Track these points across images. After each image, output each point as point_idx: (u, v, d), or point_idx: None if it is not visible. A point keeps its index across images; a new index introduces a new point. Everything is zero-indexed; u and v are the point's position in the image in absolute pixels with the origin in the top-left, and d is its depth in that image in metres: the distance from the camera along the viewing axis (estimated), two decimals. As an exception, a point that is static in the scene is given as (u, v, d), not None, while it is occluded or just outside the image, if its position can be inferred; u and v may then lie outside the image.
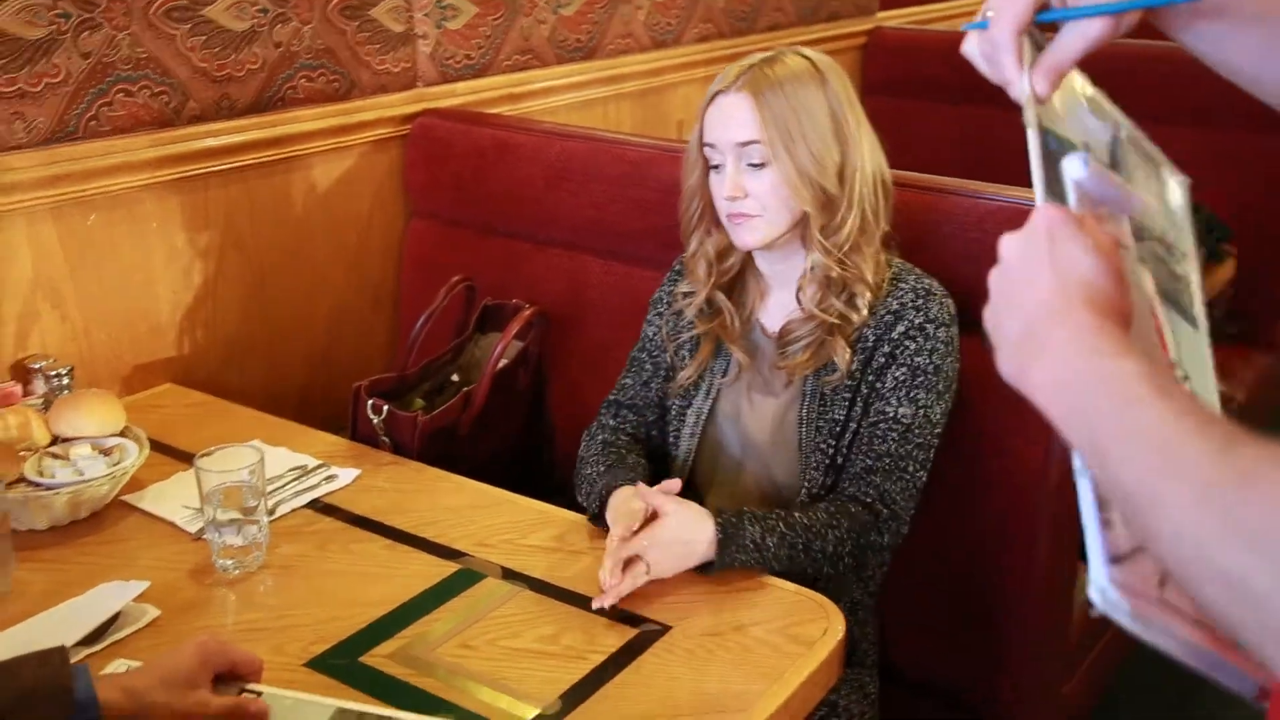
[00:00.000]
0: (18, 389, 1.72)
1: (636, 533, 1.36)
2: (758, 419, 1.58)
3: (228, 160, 2.03)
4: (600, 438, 1.62)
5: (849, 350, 1.50)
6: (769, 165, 1.47)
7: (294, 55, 2.11)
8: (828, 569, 1.44)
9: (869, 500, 1.48)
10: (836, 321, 1.51)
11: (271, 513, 1.53)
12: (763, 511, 1.42)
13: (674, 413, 1.63)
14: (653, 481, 1.45)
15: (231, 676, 1.13)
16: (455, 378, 1.96)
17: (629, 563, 1.35)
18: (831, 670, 1.31)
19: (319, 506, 1.57)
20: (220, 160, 2.02)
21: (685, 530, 1.37)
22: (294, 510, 1.56)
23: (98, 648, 1.26)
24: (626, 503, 1.42)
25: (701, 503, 1.42)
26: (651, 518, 1.38)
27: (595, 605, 1.33)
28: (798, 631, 1.32)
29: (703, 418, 1.60)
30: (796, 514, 1.43)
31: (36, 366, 1.75)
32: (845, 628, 1.32)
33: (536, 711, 1.18)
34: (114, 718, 1.04)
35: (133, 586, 1.35)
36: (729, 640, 1.30)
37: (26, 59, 1.75)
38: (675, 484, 1.43)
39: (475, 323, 2.05)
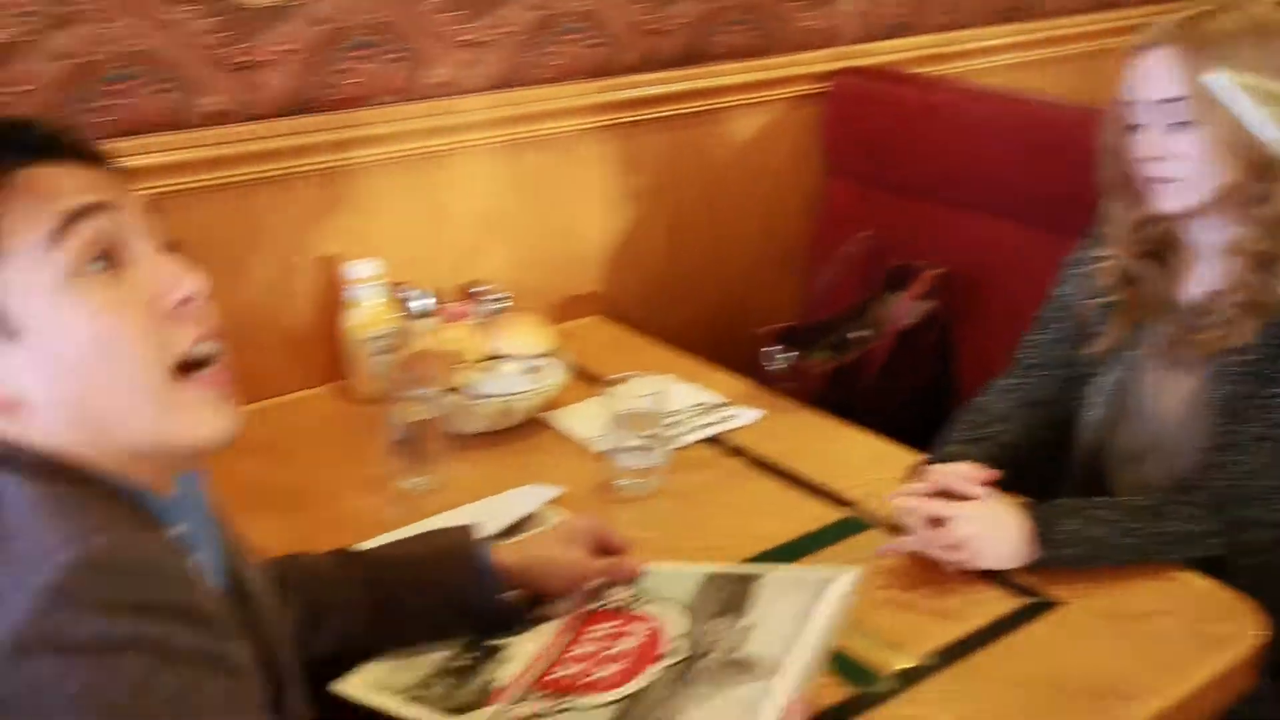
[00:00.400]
0: (463, 310, 1.90)
1: None
2: (1167, 396, 1.48)
3: (656, 109, 2.13)
4: (980, 402, 1.60)
5: (1264, 331, 1.38)
6: (1195, 126, 1.36)
7: (721, 11, 2.18)
8: (1198, 551, 1.33)
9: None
10: (1259, 300, 1.38)
11: (672, 442, 1.60)
12: (1084, 500, 1.34)
13: (1081, 381, 1.56)
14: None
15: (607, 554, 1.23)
16: (860, 333, 1.97)
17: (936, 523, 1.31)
18: (1245, 676, 1.20)
19: (718, 442, 1.63)
20: (649, 109, 2.12)
21: (996, 514, 1.31)
22: (694, 443, 1.62)
23: (514, 541, 1.37)
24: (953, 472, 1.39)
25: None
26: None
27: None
28: (1208, 629, 1.23)
29: (1109, 390, 1.52)
30: (1136, 499, 1.34)
31: (480, 290, 1.92)
32: (1270, 633, 1.21)
33: (912, 663, 1.17)
34: (506, 578, 1.17)
35: (547, 491, 1.47)
36: (1128, 626, 1.24)
37: (482, 10, 1.92)
38: (990, 474, 1.37)
39: (884, 282, 2.04)
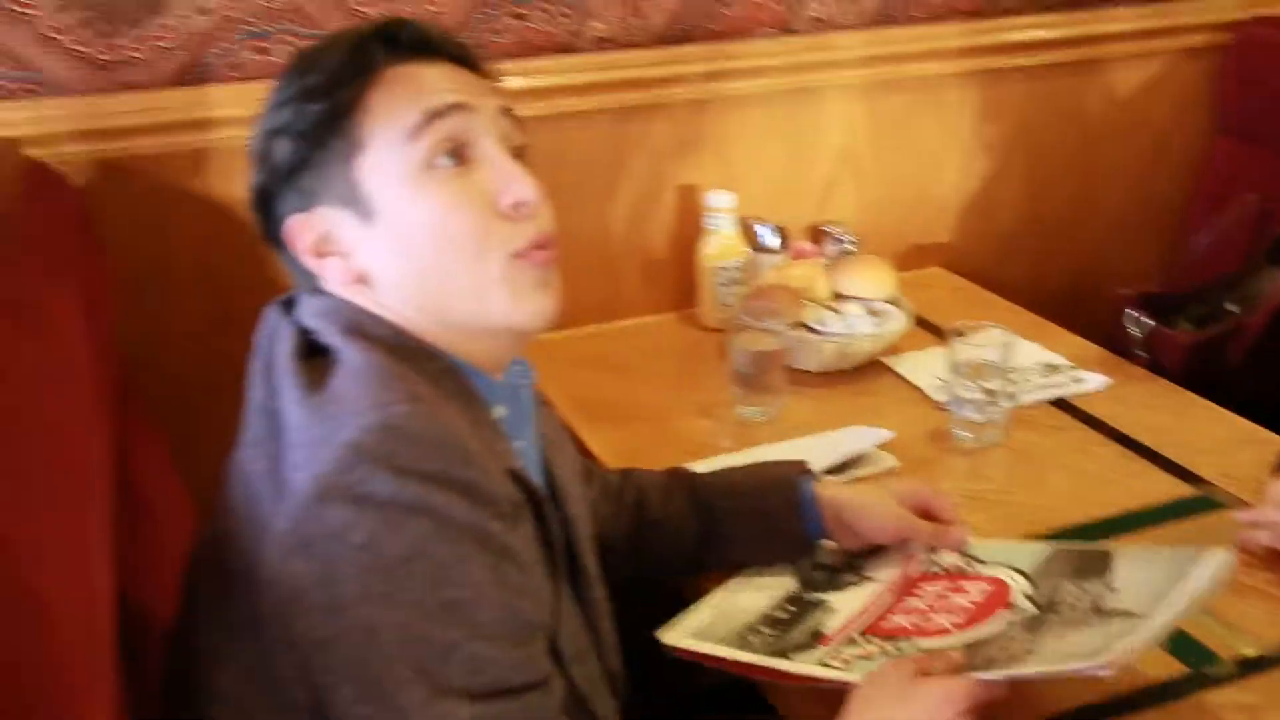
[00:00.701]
0: (812, 248, 1.92)
1: None
2: None
3: (1030, 56, 2.05)
4: None
5: None
6: None
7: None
8: None
9: None
10: None
11: (1013, 399, 1.56)
12: None
13: None
14: None
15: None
16: (1232, 306, 1.84)
17: None
18: None
19: (1061, 404, 1.58)
20: (1023, 55, 2.05)
21: None
22: (1036, 402, 1.58)
23: (840, 478, 1.40)
24: None
25: None
26: None
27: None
28: None
29: None
30: None
31: (830, 230, 1.93)
32: None
33: (1255, 652, 1.11)
34: (827, 515, 1.18)
35: (879, 433, 1.47)
36: None
37: (868, -53, 1.91)
38: None
39: (1266, 253, 1.89)
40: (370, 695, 0.77)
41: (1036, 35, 2.05)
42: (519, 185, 0.93)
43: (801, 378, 1.65)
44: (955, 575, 1.14)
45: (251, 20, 1.58)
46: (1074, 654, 0.92)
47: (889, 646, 1.04)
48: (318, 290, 0.95)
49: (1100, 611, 1.00)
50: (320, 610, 0.77)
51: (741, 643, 1.08)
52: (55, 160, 1.48)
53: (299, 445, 0.81)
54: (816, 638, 1.07)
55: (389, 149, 0.91)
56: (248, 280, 1.64)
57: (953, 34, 1.99)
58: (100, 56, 1.52)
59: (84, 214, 1.43)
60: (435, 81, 0.94)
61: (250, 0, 1.57)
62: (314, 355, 0.89)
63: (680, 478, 1.27)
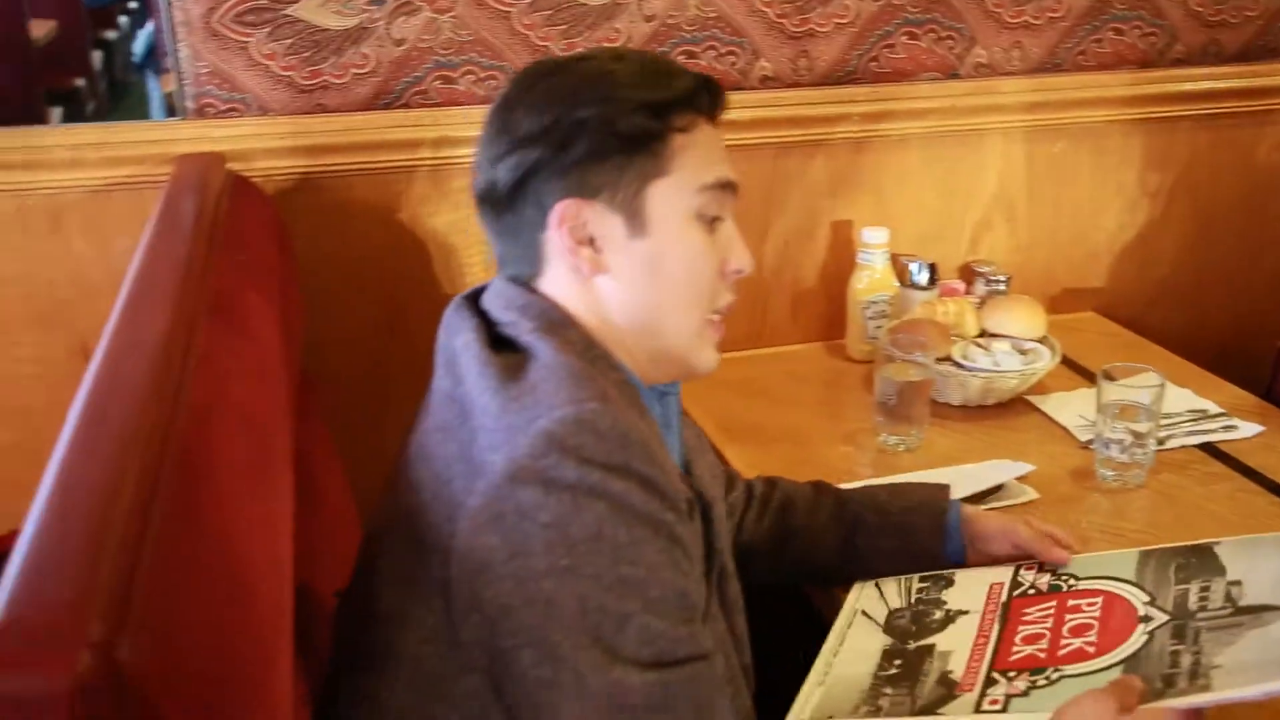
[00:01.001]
0: (961, 287, 1.94)
1: None
2: None
3: (1202, 106, 2.04)
4: None
5: None
6: None
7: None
8: None
9: None
10: None
11: (1161, 443, 1.56)
12: None
13: None
14: None
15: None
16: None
17: None
18: None
19: (1211, 450, 1.57)
20: (1194, 105, 2.04)
21: None
22: (1183, 447, 1.57)
23: (978, 509, 1.41)
24: None
25: None
26: None
27: None
28: None
29: None
30: None
31: (981, 270, 1.95)
32: None
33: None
34: (967, 538, 1.24)
35: (1020, 467, 1.49)
36: None
37: (1036, -7, 1.93)
38: None
39: None
40: (549, 658, 0.83)
41: (1208, 86, 2.04)
42: (746, 258, 1.06)
43: (946, 411, 1.68)
44: (1056, 595, 1.15)
45: (441, 51, 1.70)
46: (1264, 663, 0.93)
47: (1038, 679, 1.02)
48: (515, 280, 1.02)
49: (1242, 609, 1.00)
50: (509, 580, 0.84)
51: (878, 710, 1.05)
52: (255, 174, 1.62)
53: (494, 430, 0.88)
54: (950, 685, 1.05)
55: (684, 189, 1.01)
56: (417, 291, 1.77)
57: (1121, 83, 2.00)
58: (302, 81, 1.66)
59: (278, 223, 1.56)
60: (723, 151, 1.06)
61: (441, 34, 1.69)
62: (502, 347, 0.97)
63: (826, 490, 1.33)
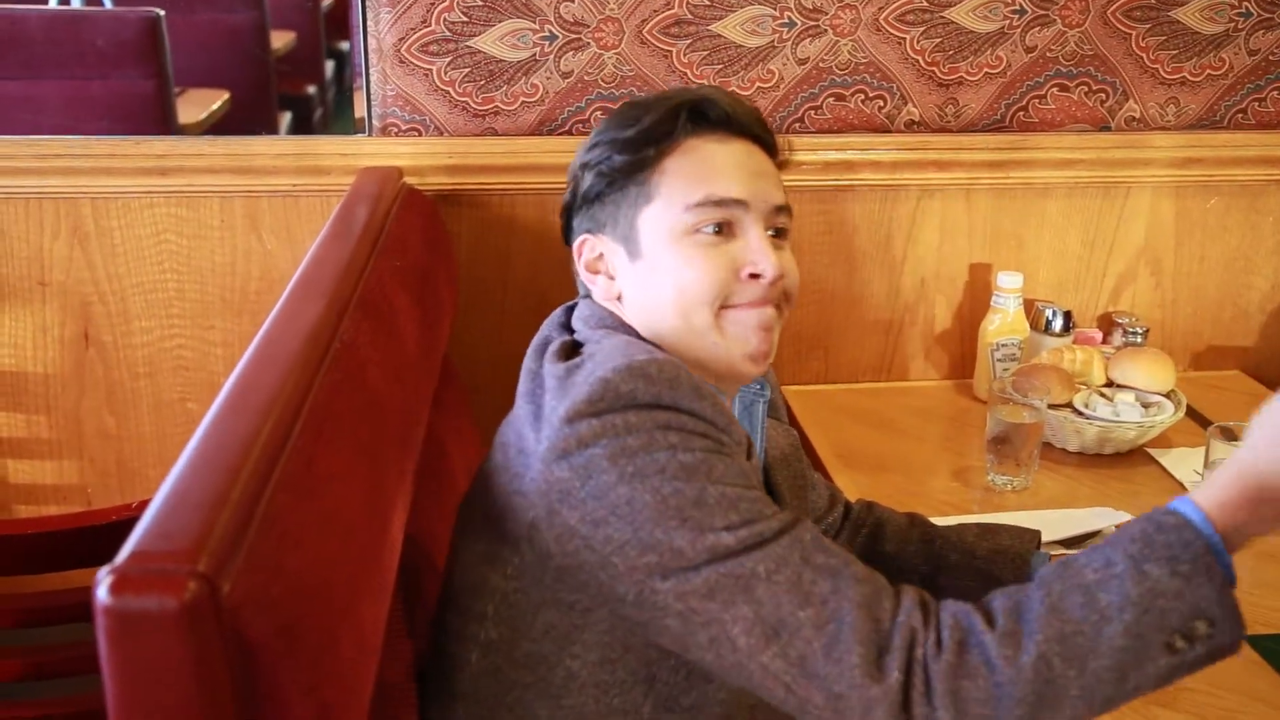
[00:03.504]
0: (1098, 335, 1.96)
1: None
2: None
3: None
4: None
5: None
6: None
7: None
8: None
9: None
10: None
11: (1275, 506, 1.56)
12: None
13: None
14: None
15: None
16: None
17: None
18: None
19: (1327, 517, 1.56)
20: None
21: None
22: (1299, 511, 1.56)
23: (1072, 553, 1.45)
24: None
25: None
26: None
27: None
28: None
29: None
30: None
31: (1120, 321, 1.97)
32: None
33: None
34: None
35: (1119, 515, 1.52)
36: None
37: (1199, 50, 1.94)
38: None
39: None
40: (648, 546, 0.92)
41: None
42: (768, 263, 1.08)
43: (1062, 457, 1.71)
44: None
45: (604, 85, 1.83)
46: None
47: None
48: (586, 296, 1.17)
49: None
50: (590, 500, 0.94)
51: None
52: (428, 188, 1.78)
53: (556, 390, 1.00)
54: None
55: (668, 210, 1.10)
56: (564, 302, 1.90)
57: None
58: (476, 106, 1.82)
59: (443, 233, 1.72)
60: (725, 166, 1.10)
61: (605, 68, 1.82)
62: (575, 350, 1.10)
63: (919, 523, 1.37)
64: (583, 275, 1.16)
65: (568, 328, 1.14)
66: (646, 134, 1.11)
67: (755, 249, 1.09)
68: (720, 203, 1.09)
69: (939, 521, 1.42)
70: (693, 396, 0.97)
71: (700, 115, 1.11)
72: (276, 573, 0.77)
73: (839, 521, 1.39)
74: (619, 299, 1.13)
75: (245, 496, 0.80)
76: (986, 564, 1.28)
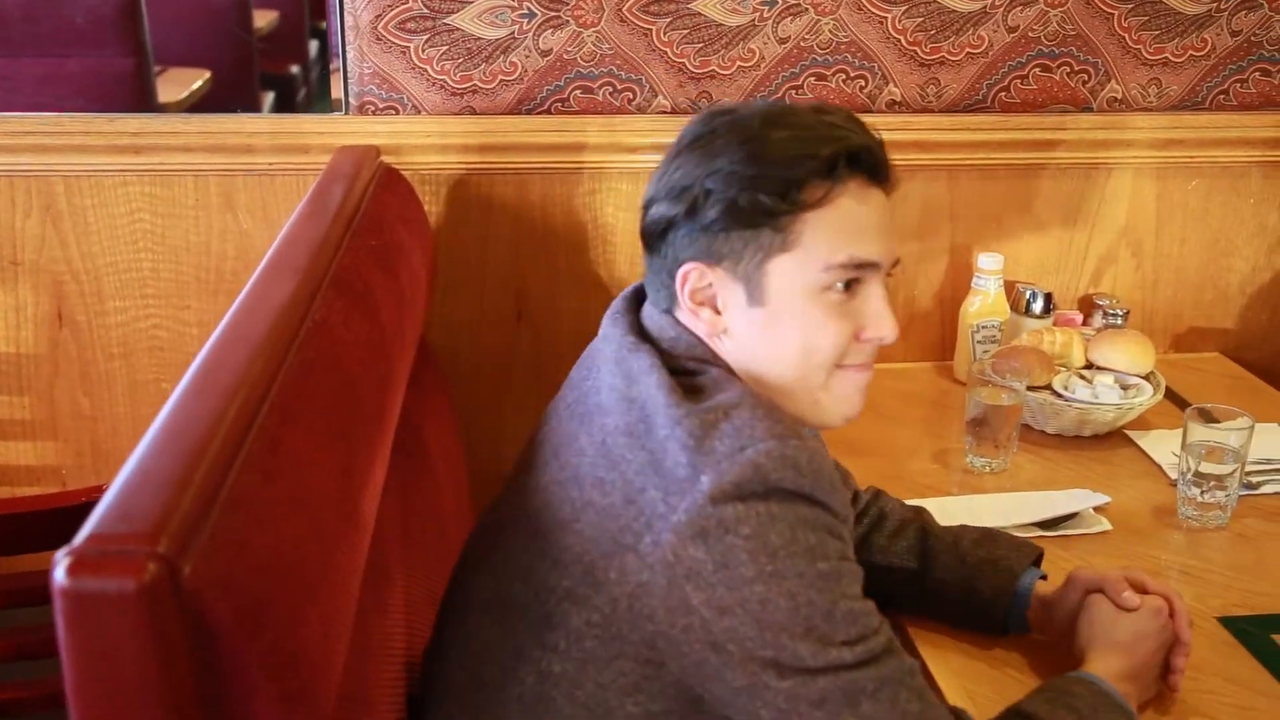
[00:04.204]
0: (1078, 317, 1.96)
1: None
2: None
3: (1351, 152, 2.00)
4: None
5: None
6: None
7: None
8: None
9: None
10: None
11: (1254, 487, 1.56)
12: None
13: None
14: None
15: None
16: None
17: None
18: None
19: (1306, 499, 1.56)
20: (1343, 151, 2.00)
21: None
22: (1277, 493, 1.57)
23: (1048, 534, 1.45)
24: None
25: None
26: None
27: None
28: None
29: None
30: None
31: (1101, 303, 1.96)
32: None
33: None
34: (1034, 612, 1.25)
35: (1097, 497, 1.52)
36: None
37: (1181, 30, 1.93)
38: None
39: None
40: (772, 646, 0.93)
41: (1361, 131, 2.00)
42: (887, 327, 1.06)
43: (1041, 439, 1.71)
44: None
45: (583, 63, 1.82)
46: None
47: None
48: (666, 311, 1.08)
49: None
50: (720, 586, 0.93)
51: None
52: (405, 167, 1.77)
53: (695, 450, 0.95)
54: None
55: (806, 265, 1.02)
56: (544, 284, 1.90)
57: (1266, 124, 1.98)
58: (454, 85, 1.80)
59: (420, 213, 1.71)
60: (869, 226, 1.03)
61: (584, 47, 1.81)
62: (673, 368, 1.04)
63: (920, 520, 1.35)
64: (686, 303, 1.06)
65: (643, 334, 1.08)
66: (799, 182, 1.01)
67: (880, 312, 1.05)
68: (860, 265, 1.03)
69: (919, 504, 1.41)
70: (830, 490, 0.96)
71: (856, 161, 1.03)
72: (240, 554, 0.76)
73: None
74: (721, 334, 1.06)
75: (209, 478, 0.79)
76: (974, 571, 1.27)
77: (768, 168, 1.01)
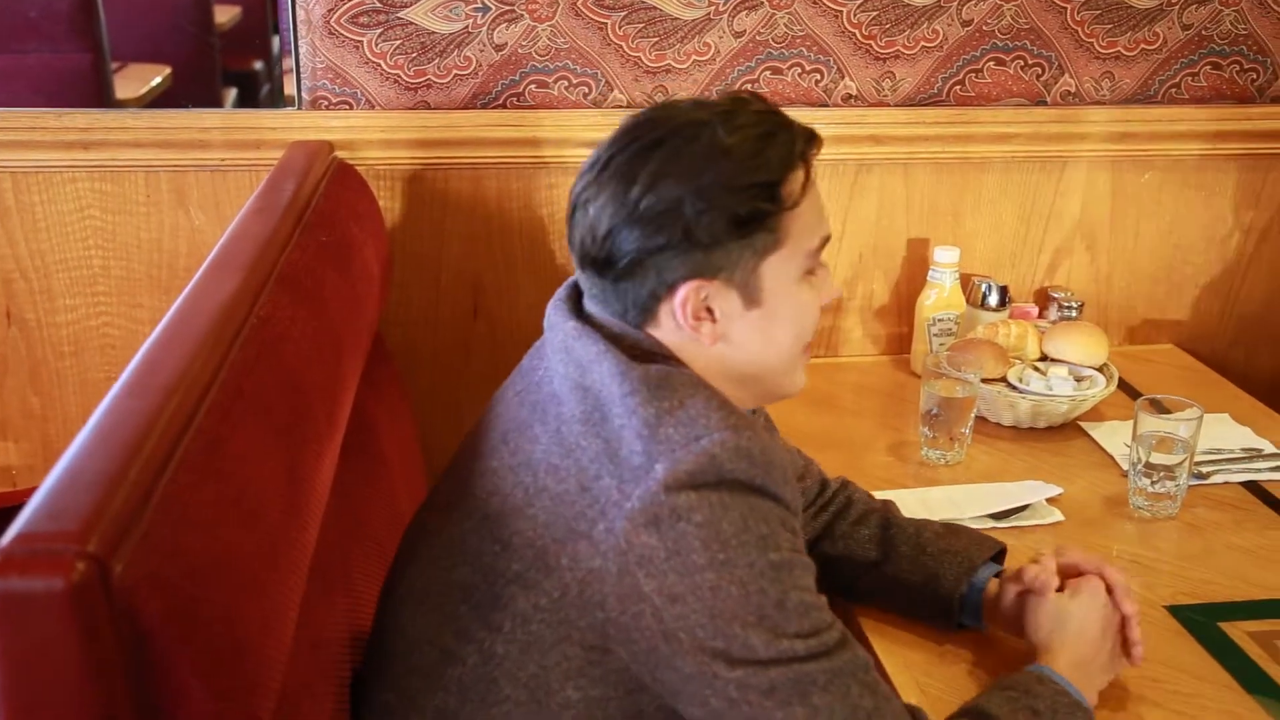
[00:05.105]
0: (1033, 310, 1.97)
1: None
2: None
3: (1300, 146, 2.02)
4: None
5: None
6: None
7: None
8: None
9: None
10: None
11: (1204, 477, 1.58)
12: None
13: None
14: None
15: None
16: None
17: None
18: None
19: (1255, 489, 1.58)
20: (1292, 144, 2.02)
21: None
22: (1226, 483, 1.58)
23: (1002, 525, 1.46)
24: None
25: None
26: None
27: None
28: None
29: None
30: None
31: (1056, 296, 1.98)
32: None
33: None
34: (989, 607, 1.25)
35: (1050, 488, 1.53)
36: None
37: (1133, 24, 1.94)
38: None
39: None
40: (723, 635, 0.94)
41: (1312, 125, 2.02)
42: (837, 288, 1.14)
43: (996, 431, 1.72)
44: None
45: (538, 58, 1.81)
46: None
47: None
48: (637, 327, 1.06)
49: None
50: (671, 574, 0.94)
51: None
52: (360, 163, 1.76)
53: (650, 439, 0.96)
54: None
55: (793, 257, 1.05)
56: (501, 279, 1.89)
57: (1217, 117, 1.99)
58: (408, 79, 1.79)
59: (374, 209, 1.69)
60: (820, 205, 1.08)
61: (539, 41, 1.80)
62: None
63: (885, 510, 1.36)
64: (684, 323, 1.04)
65: (588, 321, 1.08)
66: (788, 177, 1.03)
67: (830, 279, 1.11)
68: (825, 241, 1.08)
69: (893, 496, 1.42)
70: (783, 482, 0.98)
71: (810, 148, 1.06)
72: (174, 554, 0.76)
73: (811, 497, 1.37)
74: (723, 343, 1.06)
75: (143, 476, 0.78)
76: (934, 562, 1.28)
77: (756, 173, 1.02)
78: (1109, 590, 1.19)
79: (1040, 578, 1.18)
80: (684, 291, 1.02)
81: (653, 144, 1.03)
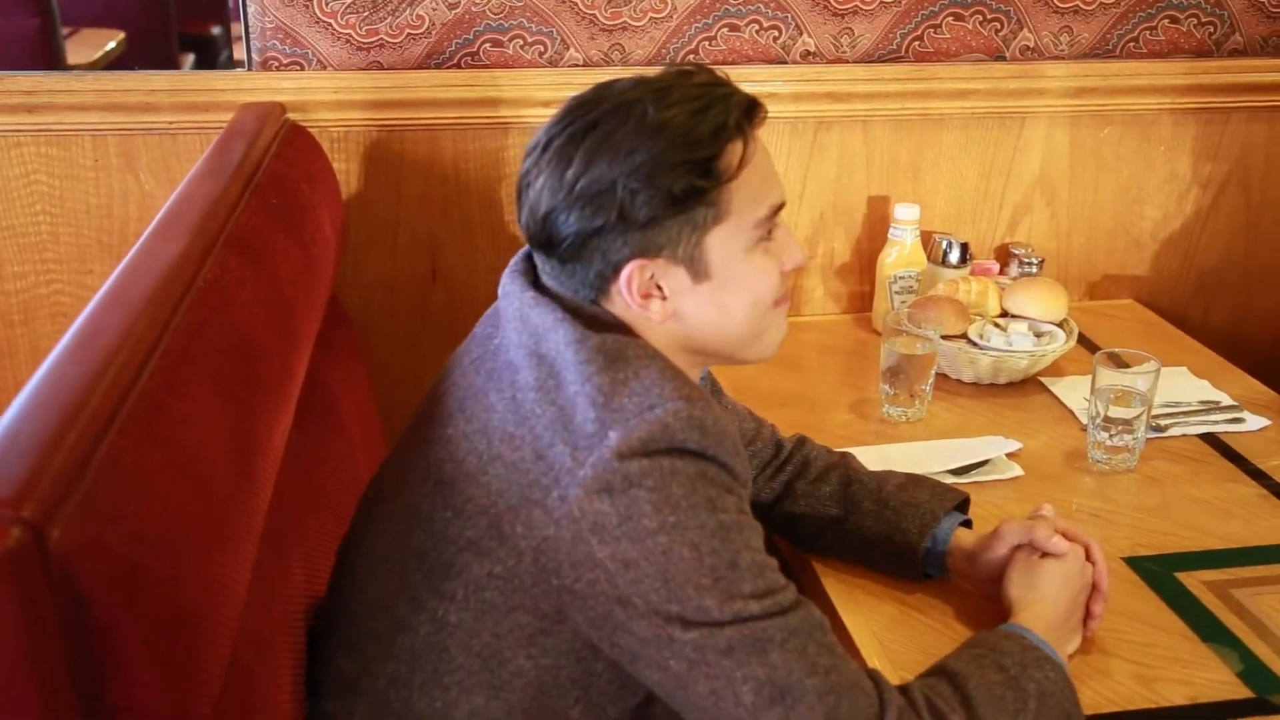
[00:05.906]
0: (994, 267, 1.97)
1: None
2: None
3: (1259, 98, 2.02)
4: None
5: None
6: None
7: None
8: None
9: None
10: None
11: (1162, 430, 1.59)
12: None
13: None
14: None
15: None
16: None
17: None
18: None
19: (1211, 440, 1.59)
20: (1251, 97, 2.02)
21: None
22: (1184, 435, 1.59)
23: (962, 480, 1.46)
24: None
25: None
26: None
27: None
28: None
29: None
30: None
31: (1016, 252, 1.98)
32: None
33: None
34: (952, 557, 1.26)
35: (1009, 443, 1.53)
36: None
37: (1089, -21, 1.94)
38: None
39: None
40: (677, 599, 0.94)
41: (1267, 79, 2.01)
42: (799, 253, 1.10)
43: (957, 387, 1.72)
44: None
45: (492, 16, 1.78)
46: None
47: None
48: (594, 302, 1.06)
49: None
50: (624, 539, 0.94)
51: None
52: (313, 124, 1.73)
53: (604, 407, 0.96)
54: None
55: (739, 229, 1.04)
56: (458, 241, 1.87)
57: (1174, 71, 1.99)
58: (360, 39, 1.76)
59: (328, 171, 1.67)
60: (770, 170, 1.07)
61: (493, -1, 1.77)
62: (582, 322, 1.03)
63: (845, 466, 1.36)
64: (633, 301, 1.04)
65: (543, 290, 1.07)
66: (724, 149, 1.02)
67: (790, 242, 1.10)
68: (776, 209, 1.07)
69: (855, 451, 1.42)
70: (733, 453, 0.98)
71: (752, 118, 1.05)
72: (115, 520, 0.74)
73: (766, 457, 1.37)
74: (675, 320, 1.05)
75: (82, 440, 0.76)
76: (896, 516, 1.28)
77: (688, 149, 1.00)
78: (1089, 559, 1.20)
79: (1058, 543, 1.18)
80: (628, 271, 1.02)
81: (589, 125, 1.03)
